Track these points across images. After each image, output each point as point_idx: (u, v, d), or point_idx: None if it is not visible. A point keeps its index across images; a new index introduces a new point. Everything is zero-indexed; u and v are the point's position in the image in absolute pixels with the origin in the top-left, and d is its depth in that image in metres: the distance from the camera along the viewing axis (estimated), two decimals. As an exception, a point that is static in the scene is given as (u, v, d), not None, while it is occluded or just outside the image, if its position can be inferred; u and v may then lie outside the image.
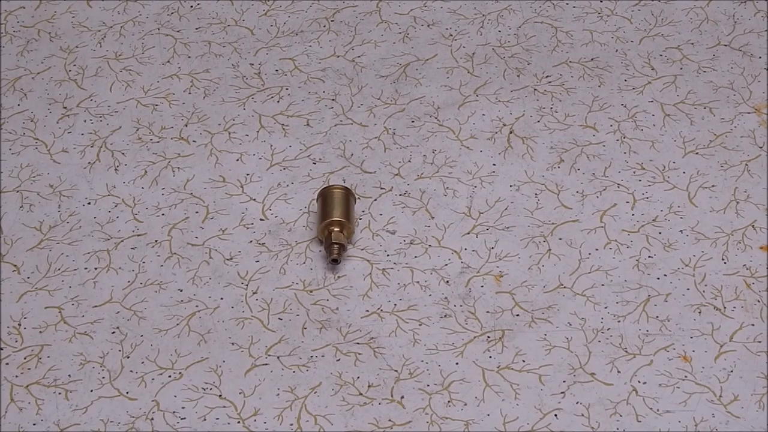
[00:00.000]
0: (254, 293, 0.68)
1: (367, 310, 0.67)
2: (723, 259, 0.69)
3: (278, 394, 0.64)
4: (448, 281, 0.68)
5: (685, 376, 0.64)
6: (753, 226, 0.71)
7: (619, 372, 0.64)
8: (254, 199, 0.73)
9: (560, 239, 0.71)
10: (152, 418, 0.62)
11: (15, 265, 0.70)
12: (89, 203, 0.73)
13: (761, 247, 0.70)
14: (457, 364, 0.65)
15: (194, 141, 0.77)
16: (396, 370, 0.64)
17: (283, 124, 0.78)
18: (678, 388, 0.63)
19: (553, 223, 0.71)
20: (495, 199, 0.73)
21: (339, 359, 0.65)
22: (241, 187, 0.74)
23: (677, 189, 0.73)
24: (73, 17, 0.86)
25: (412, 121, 0.78)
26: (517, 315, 0.67)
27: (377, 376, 0.64)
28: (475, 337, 0.66)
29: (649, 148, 0.76)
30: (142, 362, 0.65)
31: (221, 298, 0.68)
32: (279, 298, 0.68)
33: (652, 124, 0.77)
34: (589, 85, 0.80)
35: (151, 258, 0.70)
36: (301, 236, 0.71)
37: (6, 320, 0.67)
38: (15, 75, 0.82)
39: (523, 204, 0.73)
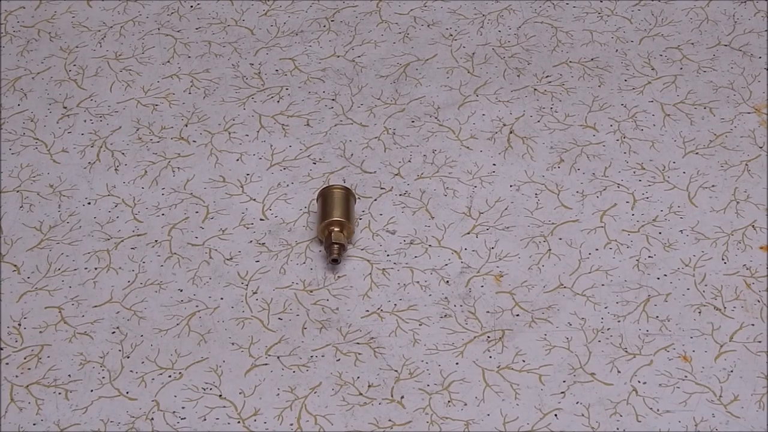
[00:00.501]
0: (254, 293, 0.68)
1: (367, 310, 0.67)
2: (723, 259, 0.69)
3: (278, 394, 0.64)
4: (448, 281, 0.68)
5: (685, 376, 0.64)
6: (753, 226, 0.71)
7: (619, 372, 0.64)
8: (254, 199, 0.73)
9: (560, 239, 0.71)
10: (152, 418, 0.62)
11: (15, 265, 0.70)
12: (89, 203, 0.73)
13: (761, 247, 0.70)
14: (457, 364, 0.65)
15: (194, 141, 0.77)
16: (396, 370, 0.64)
17: (283, 124, 0.78)
18: (678, 388, 0.63)
19: (553, 223, 0.71)
20: (495, 199, 0.73)
21: (339, 359, 0.65)
22: (241, 187, 0.74)
23: (677, 189, 0.73)
24: (73, 17, 0.86)
25: (412, 121, 0.78)
26: (517, 315, 0.67)
27: (377, 376, 0.64)
28: (475, 337, 0.66)
29: (649, 148, 0.76)
30: (142, 362, 0.65)
31: (221, 298, 0.68)
32: (279, 298, 0.68)
33: (652, 124, 0.77)
34: (589, 85, 0.80)
35: (151, 258, 0.70)
36: (301, 236, 0.71)
37: (6, 320, 0.67)
38: (15, 75, 0.82)
39: (523, 204, 0.73)
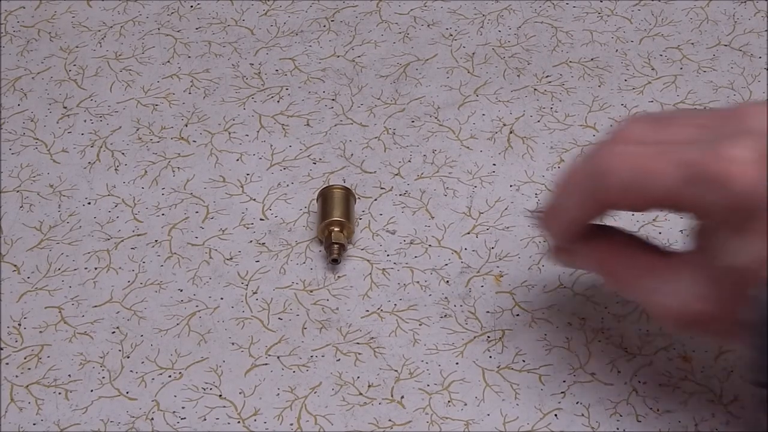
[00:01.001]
0: (254, 293, 0.68)
1: (367, 310, 0.67)
2: (723, 259, 0.69)
3: (278, 394, 0.64)
4: (448, 281, 0.68)
5: (685, 376, 0.64)
6: (753, 226, 0.71)
7: (619, 372, 0.64)
8: (254, 199, 0.73)
9: (560, 239, 0.71)
10: (152, 418, 0.62)
11: (15, 265, 0.70)
12: (89, 203, 0.73)
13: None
14: (457, 364, 0.65)
15: (194, 141, 0.77)
16: (396, 370, 0.64)
17: (283, 124, 0.78)
18: (678, 388, 0.63)
19: (553, 223, 0.71)
20: (495, 199, 0.73)
21: (339, 359, 0.65)
22: (241, 187, 0.74)
23: (677, 189, 0.73)
24: (73, 17, 0.86)
25: (412, 121, 0.78)
26: (517, 315, 0.67)
27: (377, 376, 0.64)
28: (475, 337, 0.66)
29: (649, 148, 0.76)
30: (142, 362, 0.65)
31: (221, 298, 0.68)
32: (279, 298, 0.68)
33: (652, 124, 0.77)
34: (589, 85, 0.80)
35: (151, 258, 0.70)
36: (301, 236, 0.71)
37: (6, 320, 0.67)
38: (15, 75, 0.82)
39: (523, 204, 0.73)
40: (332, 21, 0.86)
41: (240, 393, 0.64)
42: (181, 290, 0.69)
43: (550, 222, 0.59)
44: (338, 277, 0.69)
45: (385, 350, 0.65)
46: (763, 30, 0.84)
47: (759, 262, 0.51)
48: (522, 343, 0.65)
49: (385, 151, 0.76)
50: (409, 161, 0.76)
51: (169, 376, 0.64)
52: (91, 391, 0.64)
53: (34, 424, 0.62)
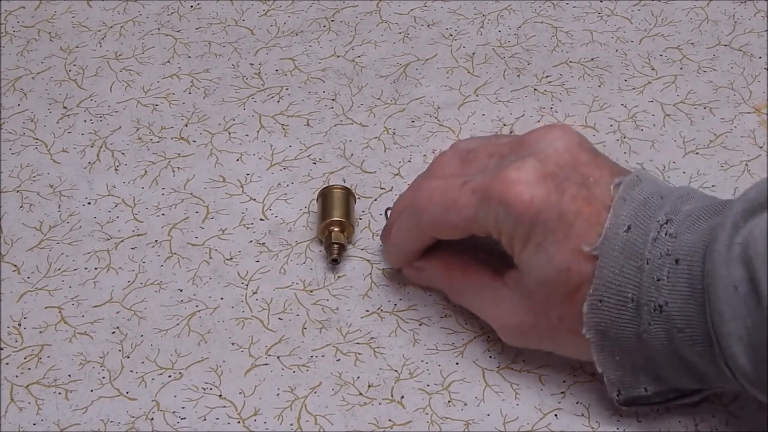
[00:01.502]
0: (254, 293, 0.68)
1: (367, 310, 0.67)
2: (723, 259, 0.69)
3: (278, 394, 0.64)
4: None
5: (685, 376, 0.64)
6: (753, 226, 0.71)
7: (619, 372, 0.64)
8: (254, 199, 0.73)
9: (560, 239, 0.70)
10: (152, 418, 0.62)
11: (15, 265, 0.70)
12: (89, 203, 0.73)
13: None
14: (457, 364, 0.65)
15: (194, 141, 0.77)
16: (396, 370, 0.64)
17: (283, 124, 0.78)
18: (678, 388, 0.63)
19: (553, 223, 0.71)
20: (495, 199, 0.73)
21: (339, 359, 0.65)
22: (241, 187, 0.74)
23: (677, 189, 0.73)
24: (73, 17, 0.86)
25: (412, 121, 0.78)
26: (517, 315, 0.67)
27: (377, 376, 0.64)
28: (475, 337, 0.66)
29: (649, 148, 0.76)
30: (142, 362, 0.65)
31: (221, 298, 0.68)
32: (279, 298, 0.68)
33: (652, 124, 0.77)
34: (589, 85, 0.80)
35: (151, 258, 0.70)
36: (301, 236, 0.71)
37: (6, 320, 0.67)
38: (15, 75, 0.82)
39: (523, 204, 0.73)
40: (332, 21, 0.86)
41: (240, 393, 0.64)
42: (181, 290, 0.69)
43: (389, 253, 0.67)
44: (338, 277, 0.69)
45: (385, 350, 0.65)
46: (763, 30, 0.84)
47: (558, 272, 0.56)
48: (522, 343, 0.65)
49: (385, 151, 0.76)
50: (409, 161, 0.76)
51: (169, 376, 0.64)
52: (91, 391, 0.64)
53: (34, 424, 0.62)
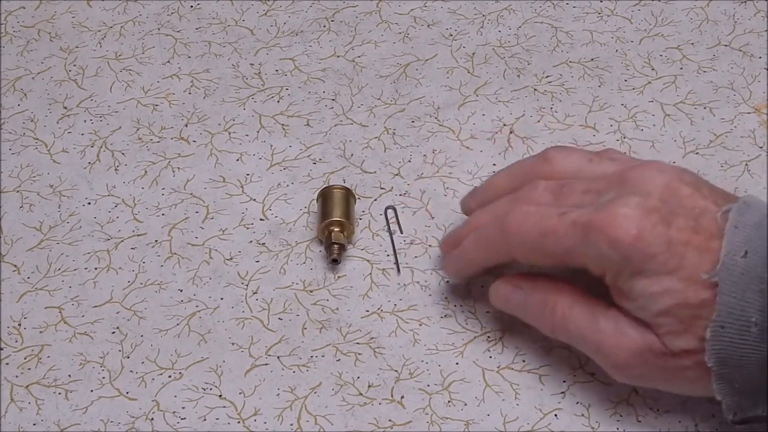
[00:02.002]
0: (254, 293, 0.68)
1: (367, 310, 0.67)
2: (723, 259, 0.69)
3: (278, 394, 0.64)
4: (448, 281, 0.68)
5: (685, 376, 0.64)
6: (753, 226, 0.71)
7: (619, 372, 0.64)
8: (254, 199, 0.73)
9: (560, 239, 0.70)
10: (152, 418, 0.62)
11: (15, 265, 0.70)
12: (89, 203, 0.73)
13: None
14: (457, 364, 0.65)
15: (194, 141, 0.77)
16: (396, 370, 0.64)
17: (283, 124, 0.78)
18: (678, 388, 0.63)
19: (553, 223, 0.71)
20: (495, 199, 0.73)
21: (339, 359, 0.65)
22: (241, 187, 0.74)
23: (677, 189, 0.73)
24: (73, 17, 0.86)
25: (412, 121, 0.78)
26: (517, 315, 0.67)
27: (377, 376, 0.64)
28: (475, 337, 0.66)
29: (650, 148, 0.76)
30: (142, 362, 0.65)
31: (221, 298, 0.68)
32: (279, 298, 0.68)
33: (652, 124, 0.77)
34: (589, 85, 0.80)
35: (151, 258, 0.70)
36: (301, 236, 0.71)
37: (6, 320, 0.67)
38: (15, 75, 0.82)
39: (523, 204, 0.73)
40: (332, 21, 0.86)
41: (240, 393, 0.64)
42: (181, 290, 0.69)
43: (454, 263, 0.66)
44: (338, 277, 0.69)
45: (385, 350, 0.65)
46: (763, 30, 0.84)
47: (676, 301, 0.56)
48: (522, 343, 0.65)
49: (385, 151, 0.76)
50: (409, 161, 0.76)
51: (169, 377, 0.64)
52: (91, 391, 0.64)
53: (34, 424, 0.62)
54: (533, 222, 0.60)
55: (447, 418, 0.62)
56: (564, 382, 0.64)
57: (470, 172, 0.75)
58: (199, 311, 0.67)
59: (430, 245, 0.71)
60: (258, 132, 0.78)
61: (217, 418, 0.62)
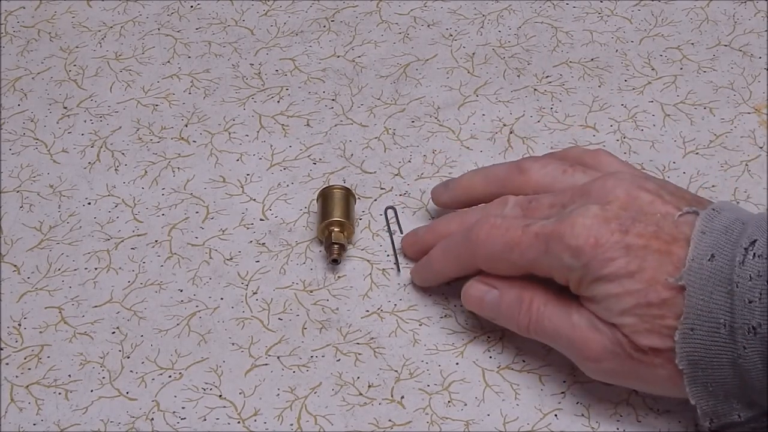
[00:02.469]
0: (254, 293, 0.68)
1: (367, 311, 0.67)
2: (723, 259, 0.69)
3: (278, 395, 0.64)
4: (447, 281, 0.68)
5: (685, 376, 0.64)
6: (753, 226, 0.71)
7: (619, 372, 0.64)
8: (254, 200, 0.73)
9: (560, 239, 0.70)
10: (152, 418, 0.62)
11: (15, 265, 0.70)
12: (89, 203, 0.73)
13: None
14: (457, 364, 0.65)
15: (194, 141, 0.77)
16: (396, 370, 0.64)
17: (283, 125, 0.78)
18: (678, 388, 0.63)
19: (553, 223, 0.71)
20: (495, 199, 0.73)
21: (339, 359, 0.65)
22: (241, 187, 0.74)
23: (677, 189, 0.73)
24: (73, 17, 0.86)
25: (412, 121, 0.78)
26: (517, 315, 0.67)
27: (377, 376, 0.64)
28: (475, 337, 0.66)
29: (649, 148, 0.76)
30: (142, 362, 0.65)
31: (221, 298, 0.68)
32: (279, 298, 0.68)
33: (652, 124, 0.77)
34: (589, 85, 0.80)
35: (151, 258, 0.70)
36: (301, 236, 0.71)
37: (6, 320, 0.67)
38: (15, 75, 0.82)
39: (523, 204, 0.73)
40: (332, 21, 0.86)
41: (240, 393, 0.64)
42: (181, 290, 0.69)
43: (423, 272, 0.67)
44: (338, 277, 0.69)
45: (385, 350, 0.65)
46: (763, 30, 0.84)
47: (637, 302, 0.57)
48: (522, 343, 0.65)
49: (385, 151, 0.76)
50: (409, 161, 0.76)
51: (169, 377, 0.64)
52: (91, 391, 0.64)
53: (34, 425, 0.62)
54: (499, 234, 0.62)
55: (447, 418, 0.62)
56: (564, 382, 0.64)
57: (470, 172, 0.75)
58: (199, 311, 0.67)
59: (430, 245, 0.71)
60: (258, 132, 0.78)
61: (217, 418, 0.62)
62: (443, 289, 0.68)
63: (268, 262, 0.70)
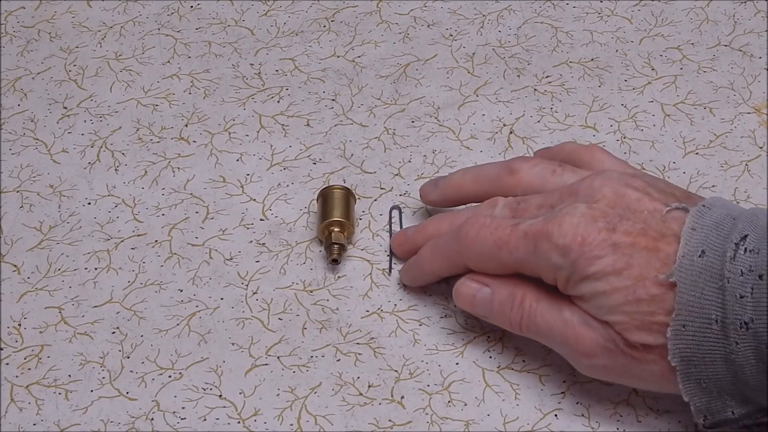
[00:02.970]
0: (254, 293, 0.68)
1: (367, 311, 0.67)
2: (723, 259, 0.69)
3: (278, 395, 0.64)
4: (447, 281, 0.68)
5: (685, 376, 0.64)
6: (753, 226, 0.71)
7: (619, 372, 0.64)
8: (254, 200, 0.73)
9: (560, 239, 0.70)
10: (152, 418, 0.62)
11: (15, 265, 0.70)
12: (89, 203, 0.73)
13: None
14: (457, 364, 0.65)
15: (194, 141, 0.77)
16: (396, 370, 0.64)
17: (283, 125, 0.78)
18: (678, 388, 0.63)
19: (553, 223, 0.71)
20: (495, 199, 0.73)
21: (339, 359, 0.65)
22: (241, 187, 0.74)
23: (677, 189, 0.73)
24: (73, 17, 0.86)
25: (412, 122, 0.78)
26: (517, 315, 0.67)
27: (377, 376, 0.64)
28: (475, 337, 0.66)
29: (649, 148, 0.76)
30: (142, 362, 0.65)
31: (221, 298, 0.68)
32: (279, 298, 0.68)
33: (652, 125, 0.77)
34: (589, 85, 0.80)
35: (151, 258, 0.70)
36: (301, 236, 0.71)
37: (6, 320, 0.67)
38: (15, 75, 0.82)
39: (523, 204, 0.73)
40: (332, 21, 0.86)
41: (240, 393, 0.64)
42: (181, 290, 0.69)
43: (412, 272, 0.68)
44: (338, 277, 0.69)
45: (385, 350, 0.65)
46: (763, 30, 0.84)
47: (626, 298, 0.58)
48: (522, 343, 0.65)
49: (385, 151, 0.76)
50: (409, 161, 0.76)
51: (169, 377, 0.64)
52: (91, 391, 0.64)
53: (34, 425, 0.62)
54: (488, 233, 0.62)
55: (447, 418, 0.62)
56: (564, 382, 0.64)
57: (470, 172, 0.74)
58: (199, 311, 0.67)
59: (430, 245, 0.70)
60: (258, 132, 0.78)
61: (217, 418, 0.62)
62: (443, 289, 0.68)
63: (268, 262, 0.70)
